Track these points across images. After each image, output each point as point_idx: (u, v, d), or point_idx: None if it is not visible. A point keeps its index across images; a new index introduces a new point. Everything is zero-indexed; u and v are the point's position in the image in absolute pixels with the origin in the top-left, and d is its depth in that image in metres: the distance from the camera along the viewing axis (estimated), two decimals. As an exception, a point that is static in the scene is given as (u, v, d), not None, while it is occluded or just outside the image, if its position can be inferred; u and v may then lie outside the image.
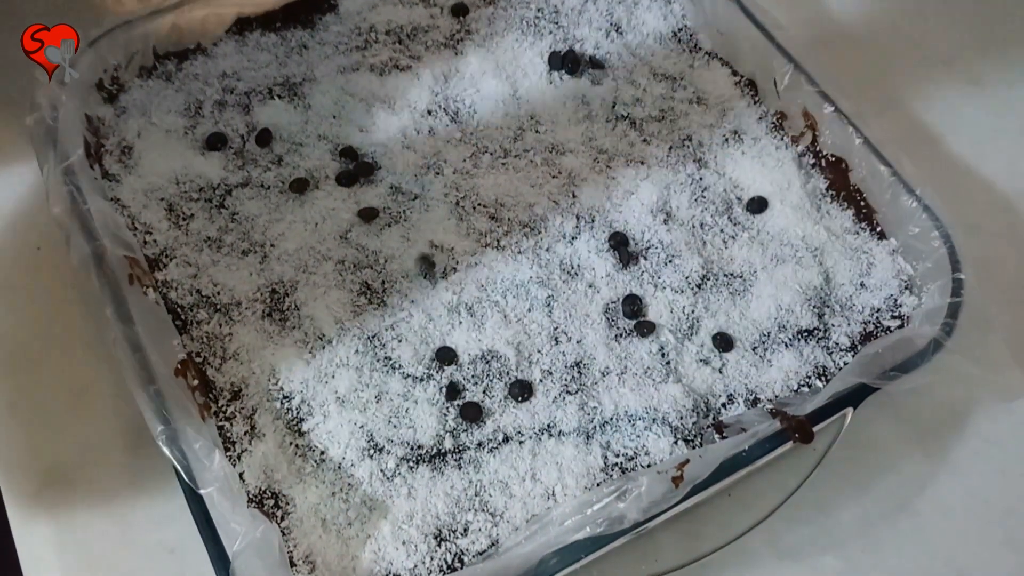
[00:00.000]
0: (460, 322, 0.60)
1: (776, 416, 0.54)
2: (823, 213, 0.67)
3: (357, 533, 0.52)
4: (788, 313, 0.61)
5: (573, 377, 0.58)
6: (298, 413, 0.56)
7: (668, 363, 0.59)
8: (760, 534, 0.55)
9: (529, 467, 0.54)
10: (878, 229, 0.65)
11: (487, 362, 0.58)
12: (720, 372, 0.59)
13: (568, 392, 0.57)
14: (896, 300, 0.62)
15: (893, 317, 0.61)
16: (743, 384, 0.58)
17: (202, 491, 0.49)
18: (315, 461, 0.54)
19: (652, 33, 0.76)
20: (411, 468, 0.54)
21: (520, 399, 0.57)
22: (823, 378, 0.59)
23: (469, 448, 0.55)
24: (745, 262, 0.64)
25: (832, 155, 0.68)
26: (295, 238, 0.63)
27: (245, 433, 0.55)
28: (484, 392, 0.57)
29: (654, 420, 0.56)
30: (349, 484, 0.54)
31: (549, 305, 0.61)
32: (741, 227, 0.66)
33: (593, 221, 0.65)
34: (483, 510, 0.53)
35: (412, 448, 0.55)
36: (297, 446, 0.55)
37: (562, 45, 0.75)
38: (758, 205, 0.66)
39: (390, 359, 0.58)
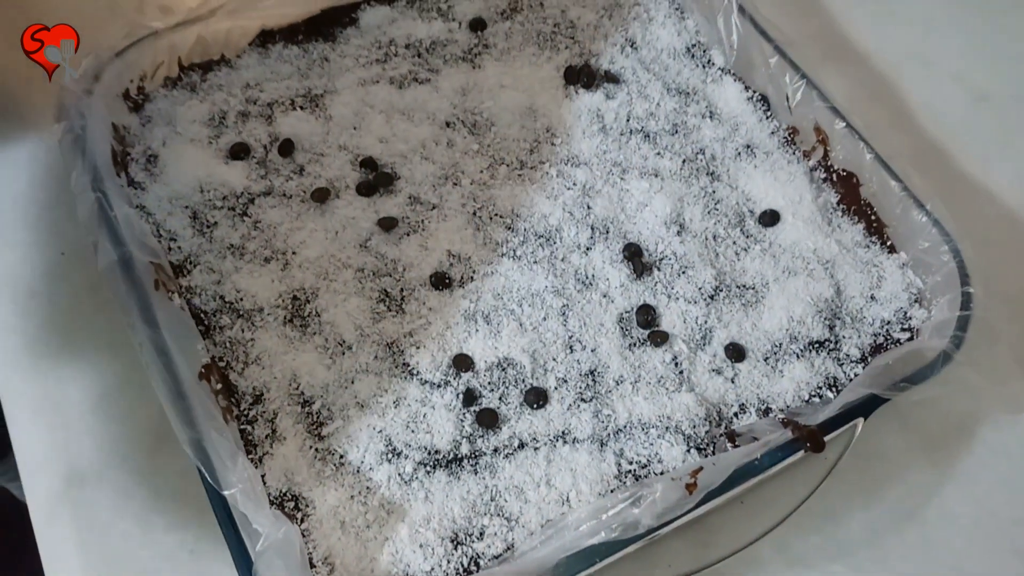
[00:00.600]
0: (477, 330, 0.61)
1: (788, 426, 0.55)
2: (834, 227, 0.68)
3: (375, 535, 0.53)
4: (799, 324, 0.62)
5: (588, 385, 0.59)
6: (318, 417, 0.57)
7: (681, 372, 0.60)
8: (770, 542, 0.55)
9: (544, 473, 0.55)
10: (888, 243, 0.66)
11: (503, 369, 0.59)
12: (732, 382, 0.60)
13: (583, 400, 0.58)
14: (906, 313, 0.63)
15: (903, 329, 0.62)
16: (755, 394, 0.59)
17: (225, 492, 0.49)
18: (335, 464, 0.55)
19: (666, 49, 0.78)
20: (428, 472, 0.55)
21: (535, 406, 0.58)
22: (834, 389, 0.59)
23: (485, 454, 0.56)
24: (757, 274, 0.65)
25: (843, 169, 0.69)
26: (316, 246, 0.64)
27: (267, 436, 0.56)
28: (500, 399, 0.58)
29: (667, 428, 0.57)
30: (368, 487, 0.55)
31: (564, 314, 0.62)
32: (753, 239, 0.67)
33: (608, 232, 0.66)
34: (499, 515, 0.54)
35: (429, 453, 0.56)
36: (317, 450, 0.56)
37: (578, 60, 0.76)
38: (770, 218, 0.67)
39: (408, 365, 0.59)
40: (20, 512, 0.60)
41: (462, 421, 0.57)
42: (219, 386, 0.57)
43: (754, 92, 0.75)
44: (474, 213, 0.67)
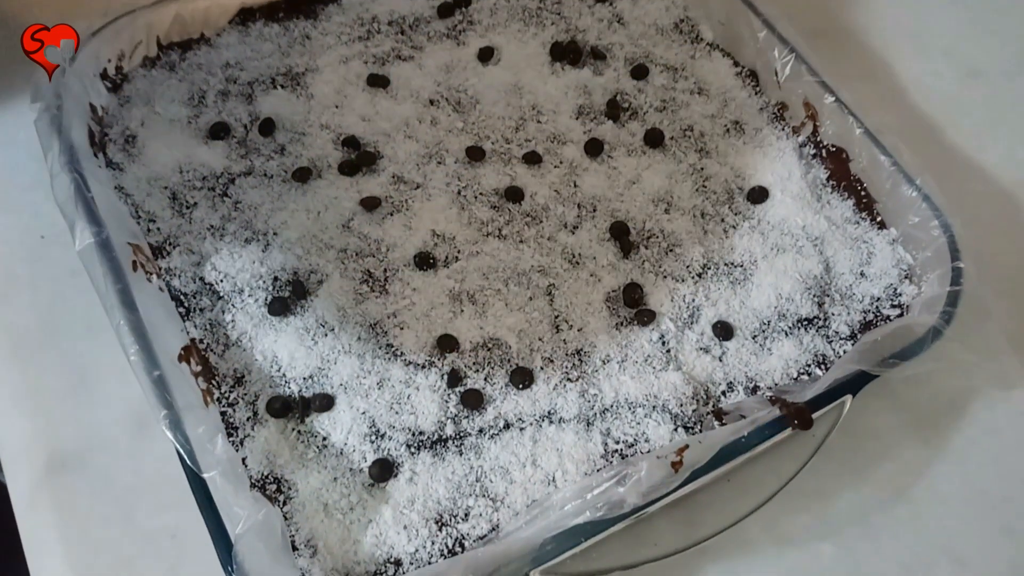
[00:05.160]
0: (462, 310, 0.60)
1: (775, 403, 0.54)
2: (824, 203, 0.67)
3: (359, 518, 0.52)
4: (788, 302, 0.61)
5: (574, 365, 0.58)
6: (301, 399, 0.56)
7: (668, 351, 0.59)
8: (758, 520, 0.55)
9: (530, 453, 0.55)
10: (878, 219, 0.65)
11: (488, 349, 0.59)
12: (720, 360, 0.59)
13: (569, 379, 0.58)
14: (896, 289, 0.62)
15: (893, 306, 0.61)
16: (743, 372, 0.59)
17: (205, 475, 0.49)
18: (317, 447, 0.55)
19: (654, 24, 0.77)
20: (413, 454, 0.54)
21: (521, 386, 0.57)
22: (823, 366, 0.59)
23: (470, 434, 0.55)
24: (746, 251, 0.64)
25: (832, 145, 0.68)
26: (298, 227, 0.63)
27: (248, 419, 0.55)
28: (485, 379, 0.58)
29: (654, 407, 0.56)
30: (351, 469, 0.54)
31: (550, 294, 0.61)
32: (742, 216, 0.66)
33: (595, 210, 0.66)
34: (484, 495, 0.53)
35: (414, 434, 0.55)
36: (299, 432, 0.55)
37: (564, 36, 0.75)
38: (759, 195, 0.67)
39: (392, 346, 0.59)
40: (3, 499, 0.59)
41: (447, 402, 0.56)
42: (199, 368, 0.56)
43: (743, 67, 0.74)
44: (459, 192, 0.66)
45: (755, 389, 0.58)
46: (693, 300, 0.62)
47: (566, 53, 0.74)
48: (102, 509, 0.57)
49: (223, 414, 0.55)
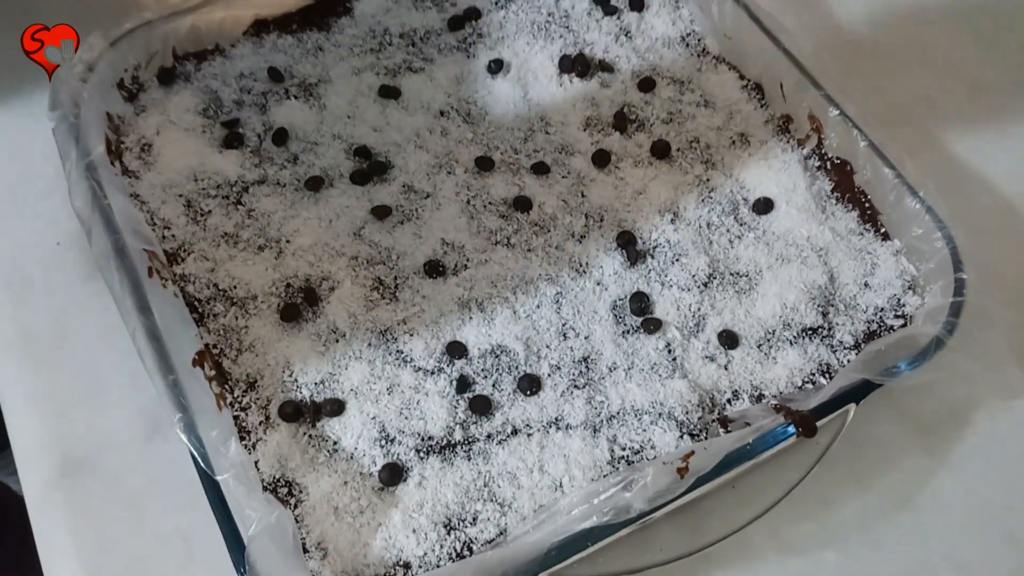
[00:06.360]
0: (471, 317, 0.61)
1: (780, 411, 0.55)
2: (828, 214, 0.68)
3: (368, 521, 0.53)
4: (793, 312, 0.62)
5: (581, 372, 0.59)
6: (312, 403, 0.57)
7: (674, 359, 0.60)
8: (762, 528, 0.56)
9: (537, 459, 0.55)
10: (882, 230, 0.66)
11: (497, 356, 0.60)
12: (725, 368, 0.60)
13: (576, 386, 0.58)
14: (899, 300, 0.63)
15: (896, 316, 0.62)
16: (748, 380, 0.59)
17: (218, 477, 0.50)
18: (328, 451, 0.56)
19: (661, 38, 0.78)
20: (422, 459, 0.55)
21: (529, 393, 0.58)
22: (827, 375, 0.59)
23: (478, 440, 0.56)
24: (751, 261, 0.65)
25: (837, 157, 0.69)
26: (310, 234, 0.64)
27: (260, 423, 0.56)
28: (493, 385, 0.58)
29: (660, 414, 0.57)
30: (360, 473, 0.55)
31: (558, 302, 0.62)
32: (747, 227, 0.67)
33: (602, 220, 0.67)
34: (492, 500, 0.54)
35: (423, 439, 0.56)
36: (310, 436, 0.56)
37: (572, 49, 0.76)
38: (764, 206, 0.67)
39: (402, 352, 0.59)
40: (19, 506, 0.60)
41: (455, 408, 0.57)
42: (213, 373, 0.57)
43: (748, 81, 0.75)
44: (468, 201, 0.67)
45: (760, 397, 0.59)
46: (699, 309, 0.62)
47: (574, 66, 0.75)
48: (114, 510, 0.58)
49: (236, 418, 0.56)
